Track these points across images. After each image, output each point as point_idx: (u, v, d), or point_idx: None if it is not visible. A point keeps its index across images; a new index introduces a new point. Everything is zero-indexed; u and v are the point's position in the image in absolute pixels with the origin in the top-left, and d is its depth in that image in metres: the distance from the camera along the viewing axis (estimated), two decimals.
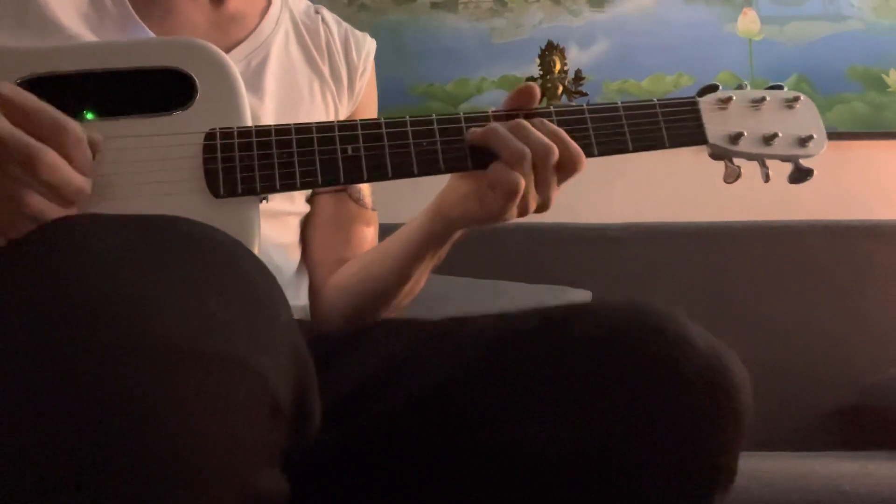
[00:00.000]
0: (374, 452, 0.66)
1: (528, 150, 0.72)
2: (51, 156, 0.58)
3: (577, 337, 0.63)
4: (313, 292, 0.96)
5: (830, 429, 1.59)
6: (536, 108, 0.77)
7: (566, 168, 0.74)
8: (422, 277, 0.89)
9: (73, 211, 0.61)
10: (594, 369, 0.61)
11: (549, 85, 1.92)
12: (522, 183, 0.72)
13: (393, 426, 0.66)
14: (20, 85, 0.67)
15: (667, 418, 0.59)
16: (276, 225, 0.90)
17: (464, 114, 0.74)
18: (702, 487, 0.61)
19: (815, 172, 0.81)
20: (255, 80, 0.88)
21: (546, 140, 0.73)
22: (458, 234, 0.83)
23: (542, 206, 0.76)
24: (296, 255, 0.95)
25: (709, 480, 0.61)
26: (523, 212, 0.75)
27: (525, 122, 0.74)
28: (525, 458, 0.61)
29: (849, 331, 1.66)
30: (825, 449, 1.46)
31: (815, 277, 1.71)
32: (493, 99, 2.03)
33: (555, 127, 0.74)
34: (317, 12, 0.99)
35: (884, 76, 2.03)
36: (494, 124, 0.74)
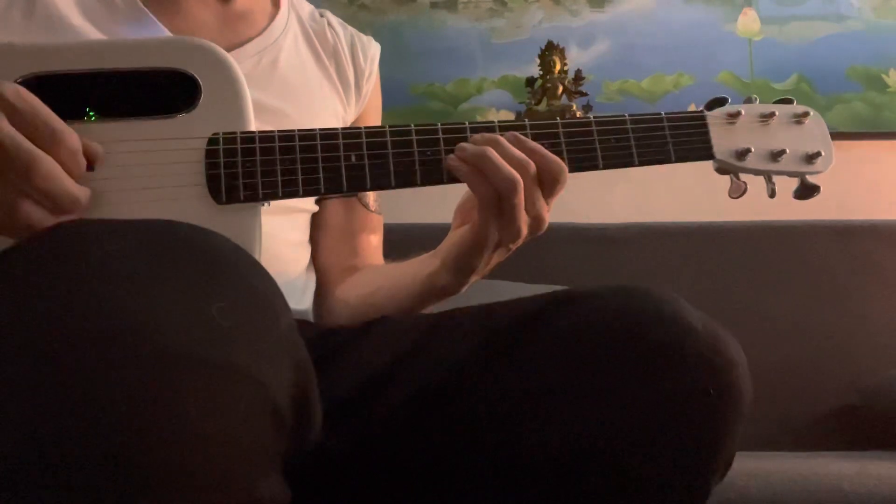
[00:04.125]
0: (377, 453, 0.66)
1: (518, 176, 0.69)
2: (48, 164, 0.57)
3: (574, 321, 0.63)
4: (320, 298, 0.96)
5: (830, 429, 1.59)
6: (543, 121, 0.75)
7: (549, 183, 0.72)
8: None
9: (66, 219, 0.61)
10: (592, 352, 0.61)
11: (549, 85, 1.92)
12: (514, 200, 0.69)
13: (393, 425, 0.66)
14: (23, 83, 0.67)
15: (666, 400, 0.59)
16: (287, 221, 0.90)
17: (469, 123, 0.73)
18: (700, 470, 0.61)
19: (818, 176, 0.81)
20: (267, 77, 0.88)
21: (522, 157, 0.70)
22: (467, 286, 0.80)
23: (536, 227, 0.73)
24: (306, 253, 0.95)
25: (707, 463, 0.61)
26: (516, 235, 0.72)
27: (501, 140, 0.71)
28: (526, 446, 0.61)
29: (849, 331, 1.66)
30: (825, 449, 1.46)
31: (815, 277, 1.71)
32: (493, 99, 2.03)
33: (528, 142, 0.72)
34: (322, 16, 0.99)
35: (884, 76, 2.03)
36: (485, 147, 0.70)
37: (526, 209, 0.71)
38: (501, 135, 0.72)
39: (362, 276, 0.95)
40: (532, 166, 0.71)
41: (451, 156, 0.71)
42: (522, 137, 0.72)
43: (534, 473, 0.61)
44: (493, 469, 0.62)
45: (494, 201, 0.70)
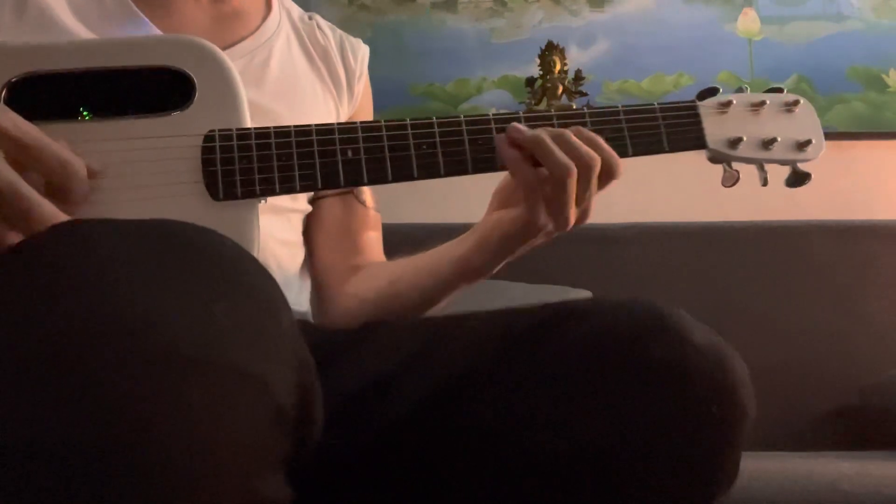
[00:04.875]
0: (378, 455, 0.66)
1: (573, 165, 0.71)
2: (47, 211, 0.57)
3: (579, 335, 0.63)
4: (324, 298, 0.95)
5: (830, 429, 1.59)
6: (537, 112, 0.76)
7: (605, 176, 0.74)
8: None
9: None
10: (596, 368, 0.61)
11: (549, 85, 1.92)
12: (571, 195, 0.71)
13: (396, 428, 0.66)
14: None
15: (669, 417, 0.59)
16: (280, 221, 0.90)
17: (464, 116, 0.74)
18: (704, 487, 0.61)
19: (815, 173, 0.81)
20: (258, 76, 0.88)
21: (590, 152, 0.72)
22: (498, 268, 0.81)
23: (582, 218, 0.75)
24: (300, 253, 0.94)
25: (710, 479, 0.61)
26: (564, 225, 0.74)
27: (567, 133, 0.72)
28: (527, 458, 0.61)
29: (849, 331, 1.66)
30: (825, 449, 1.46)
31: (815, 277, 1.71)
32: (493, 99, 2.03)
33: (592, 134, 0.73)
34: (310, 18, 0.99)
35: (884, 76, 2.03)
36: (540, 132, 0.72)
37: (580, 201, 0.73)
38: (569, 128, 0.73)
39: (375, 269, 0.94)
40: (598, 159, 0.72)
41: (501, 136, 0.72)
42: (583, 129, 0.73)
43: (534, 484, 0.61)
44: (494, 477, 0.62)
45: (537, 187, 0.71)
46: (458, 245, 0.83)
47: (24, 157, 0.58)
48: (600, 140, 0.73)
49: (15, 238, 0.57)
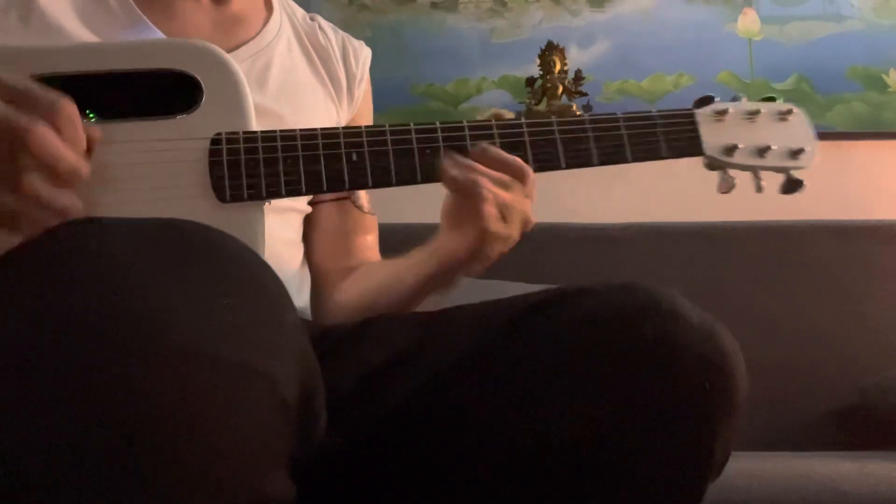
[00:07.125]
0: (377, 449, 0.66)
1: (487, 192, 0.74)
2: (41, 130, 0.57)
3: (573, 317, 0.63)
4: (319, 300, 0.96)
5: (830, 429, 1.59)
6: (539, 119, 0.78)
7: (514, 184, 0.76)
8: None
9: (70, 194, 0.60)
10: (590, 348, 0.61)
11: (549, 85, 1.92)
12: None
13: (395, 421, 0.66)
14: None
15: (661, 394, 0.60)
16: (281, 221, 0.91)
17: (467, 122, 0.75)
18: (695, 465, 0.61)
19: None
20: (260, 80, 0.89)
21: (496, 174, 0.75)
22: (458, 276, 0.83)
23: (524, 225, 0.78)
24: (299, 252, 0.96)
25: (702, 457, 0.61)
26: (501, 230, 0.76)
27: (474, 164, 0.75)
28: (520, 441, 0.62)
29: (849, 331, 1.66)
30: (825, 449, 1.46)
31: (815, 277, 1.71)
32: (493, 99, 2.03)
33: (495, 151, 0.75)
34: (312, 19, 1.00)
35: (884, 76, 2.03)
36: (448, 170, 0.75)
37: (506, 213, 0.76)
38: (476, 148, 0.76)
39: (359, 278, 0.95)
40: (491, 174, 0.75)
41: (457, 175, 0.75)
42: (490, 147, 0.76)
43: (529, 468, 0.62)
44: (490, 463, 0.63)
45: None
46: (422, 263, 0.84)
47: (10, 97, 0.57)
48: (502, 154, 0.75)
49: (31, 177, 0.57)
